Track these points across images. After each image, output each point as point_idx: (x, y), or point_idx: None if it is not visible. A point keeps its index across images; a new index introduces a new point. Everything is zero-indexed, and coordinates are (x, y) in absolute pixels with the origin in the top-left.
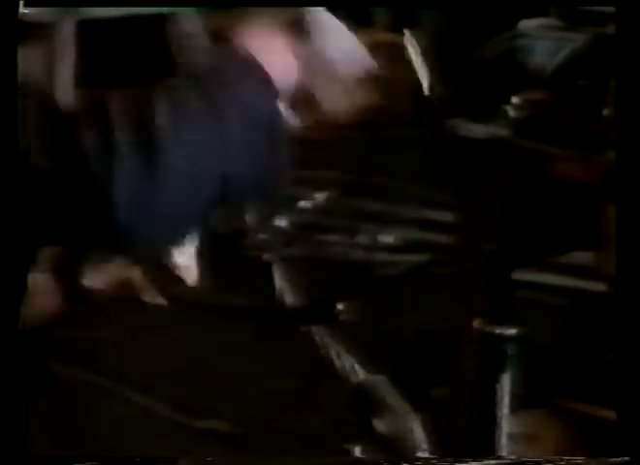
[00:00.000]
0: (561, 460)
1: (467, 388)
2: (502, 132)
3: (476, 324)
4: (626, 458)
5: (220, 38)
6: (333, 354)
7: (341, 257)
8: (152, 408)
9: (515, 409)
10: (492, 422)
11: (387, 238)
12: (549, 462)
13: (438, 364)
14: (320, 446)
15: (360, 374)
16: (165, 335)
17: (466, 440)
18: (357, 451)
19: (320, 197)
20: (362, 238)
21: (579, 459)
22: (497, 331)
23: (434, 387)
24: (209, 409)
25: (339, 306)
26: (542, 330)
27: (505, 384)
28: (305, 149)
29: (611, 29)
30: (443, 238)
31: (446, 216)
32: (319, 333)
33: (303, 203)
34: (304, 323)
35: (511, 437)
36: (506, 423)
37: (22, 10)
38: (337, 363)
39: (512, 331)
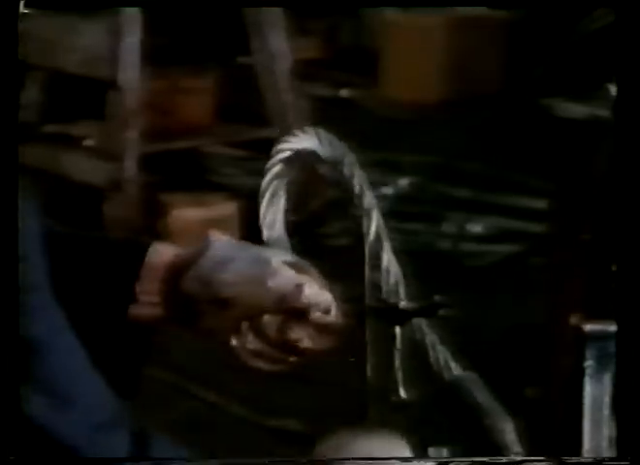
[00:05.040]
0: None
1: (564, 389)
2: (603, 112)
3: (573, 319)
4: (626, 462)
5: None
6: (428, 345)
7: (426, 247)
8: (225, 406)
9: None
10: (591, 426)
11: (475, 227)
12: (548, 462)
13: (532, 362)
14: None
15: (453, 370)
16: None
17: (562, 443)
18: (444, 453)
19: (403, 182)
20: (448, 227)
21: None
22: (597, 328)
23: (528, 385)
24: (284, 407)
25: (437, 299)
26: None
27: (606, 384)
28: (388, 130)
29: None
30: (537, 227)
31: (540, 203)
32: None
33: (384, 189)
34: (406, 319)
35: (612, 441)
36: (606, 427)
37: (22, 10)
38: (431, 356)
39: (613, 328)
